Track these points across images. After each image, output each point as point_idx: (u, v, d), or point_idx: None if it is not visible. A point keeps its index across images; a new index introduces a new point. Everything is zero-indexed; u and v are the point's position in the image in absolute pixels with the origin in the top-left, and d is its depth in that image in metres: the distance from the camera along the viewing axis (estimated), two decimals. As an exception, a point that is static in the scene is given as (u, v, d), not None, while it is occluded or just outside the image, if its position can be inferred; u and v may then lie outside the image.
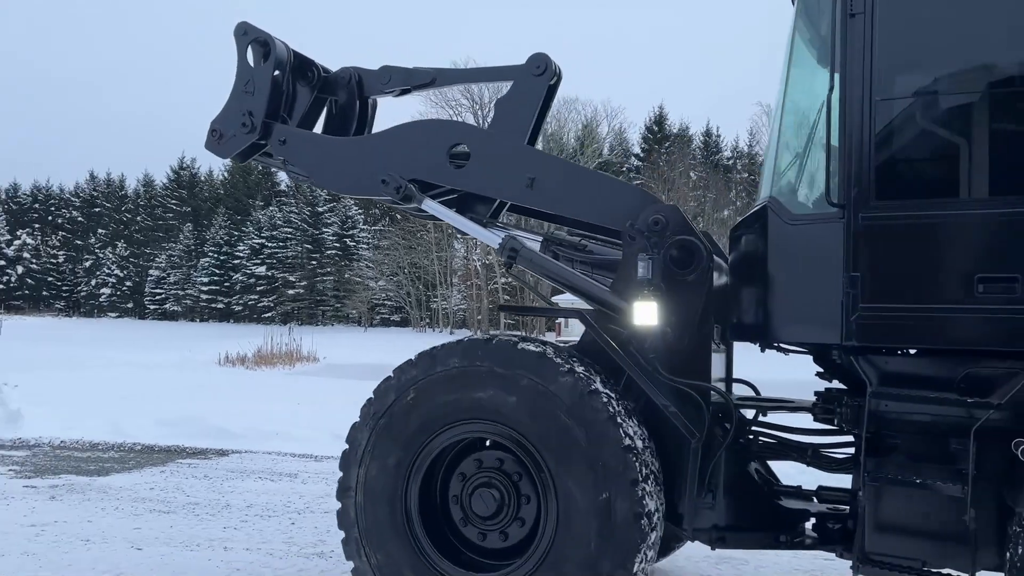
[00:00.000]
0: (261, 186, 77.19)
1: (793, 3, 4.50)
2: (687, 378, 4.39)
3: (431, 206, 5.12)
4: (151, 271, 78.07)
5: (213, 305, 73.43)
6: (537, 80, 5.09)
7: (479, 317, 54.72)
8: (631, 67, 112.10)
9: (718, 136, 63.33)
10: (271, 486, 8.63)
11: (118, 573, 5.59)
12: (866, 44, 3.91)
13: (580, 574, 4.07)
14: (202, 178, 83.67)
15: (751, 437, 4.83)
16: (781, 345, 4.57)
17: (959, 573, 3.85)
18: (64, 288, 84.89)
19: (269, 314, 67.23)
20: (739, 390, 5.38)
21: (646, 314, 4.37)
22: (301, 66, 5.61)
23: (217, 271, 73.47)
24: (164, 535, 6.58)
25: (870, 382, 4.01)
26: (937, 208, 3.80)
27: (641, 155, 62.44)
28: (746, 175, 58.99)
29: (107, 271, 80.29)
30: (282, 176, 78.08)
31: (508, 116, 5.15)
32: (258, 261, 71.08)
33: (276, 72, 5.41)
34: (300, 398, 16.19)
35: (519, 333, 5.04)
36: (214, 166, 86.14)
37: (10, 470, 9.29)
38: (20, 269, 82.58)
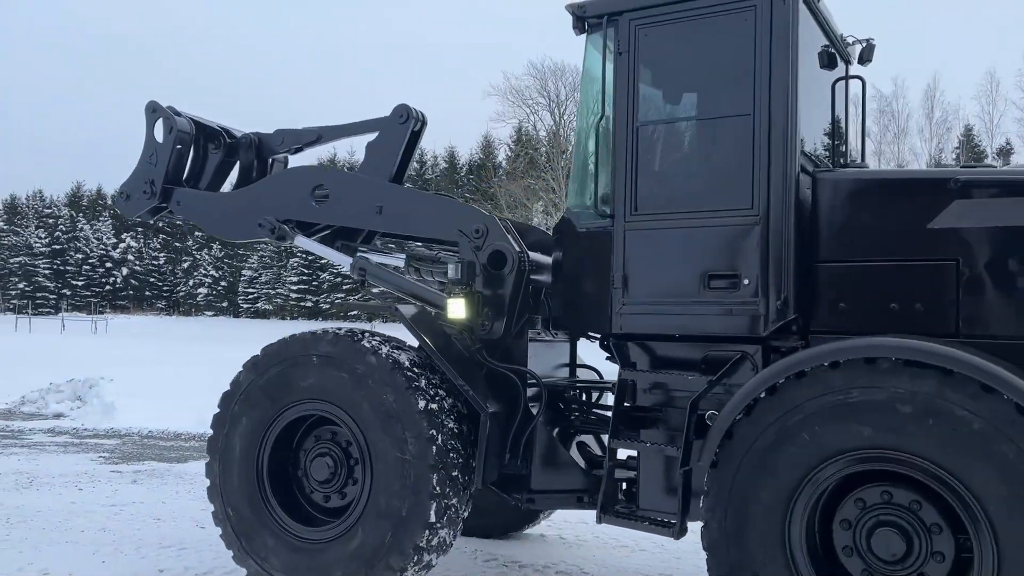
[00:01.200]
0: (347, 187, 79.44)
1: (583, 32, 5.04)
2: (506, 362, 5.20)
3: (301, 241, 5.99)
4: (244, 271, 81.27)
5: (302, 303, 75.94)
6: (401, 127, 5.91)
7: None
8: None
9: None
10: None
11: (181, 548, 6.21)
12: (629, 78, 4.67)
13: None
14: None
15: (575, 414, 5.54)
16: (590, 334, 5.26)
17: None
18: (165, 288, 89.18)
19: (355, 312, 69.11)
20: (584, 374, 6.09)
21: (456, 308, 5.19)
22: (209, 135, 6.49)
23: (306, 271, 75.89)
24: (226, 515, 7.14)
25: (632, 365, 4.79)
26: (680, 218, 4.55)
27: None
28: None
29: (203, 272, 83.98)
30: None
31: (375, 158, 5.99)
32: (344, 260, 73.10)
33: (179, 146, 6.26)
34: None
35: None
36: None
37: (100, 456, 10.19)
38: (125, 271, 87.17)
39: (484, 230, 5.27)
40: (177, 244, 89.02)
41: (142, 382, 17.21)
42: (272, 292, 78.96)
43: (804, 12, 4.55)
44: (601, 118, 4.72)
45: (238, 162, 6.61)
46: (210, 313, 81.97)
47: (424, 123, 5.97)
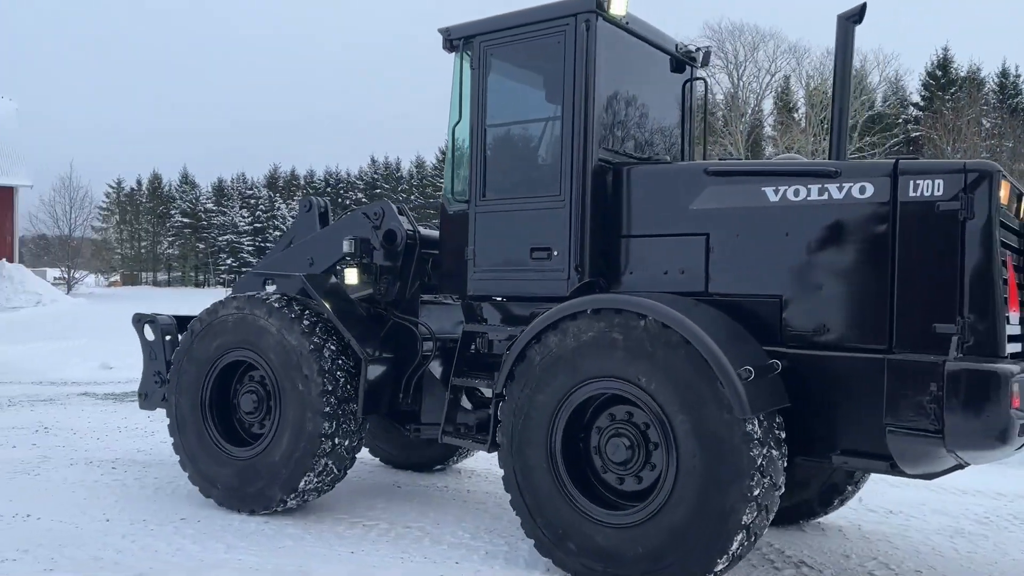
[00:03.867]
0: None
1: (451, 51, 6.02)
2: (404, 317, 6.36)
3: None
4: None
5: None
6: (308, 215, 7.25)
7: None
8: (907, 9, 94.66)
9: (1016, 77, 53.25)
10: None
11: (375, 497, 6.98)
12: (479, 88, 5.77)
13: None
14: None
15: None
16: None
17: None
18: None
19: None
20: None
21: (350, 276, 6.39)
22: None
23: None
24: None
25: (476, 320, 5.89)
26: (514, 203, 5.63)
27: (921, 104, 55.48)
28: (1052, 119, 49.68)
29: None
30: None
31: (300, 235, 7.26)
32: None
33: (168, 336, 7.38)
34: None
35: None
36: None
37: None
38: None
39: (381, 213, 6.50)
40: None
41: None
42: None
43: (617, 33, 5.52)
44: (459, 121, 5.85)
45: None
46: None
47: (327, 208, 7.29)
